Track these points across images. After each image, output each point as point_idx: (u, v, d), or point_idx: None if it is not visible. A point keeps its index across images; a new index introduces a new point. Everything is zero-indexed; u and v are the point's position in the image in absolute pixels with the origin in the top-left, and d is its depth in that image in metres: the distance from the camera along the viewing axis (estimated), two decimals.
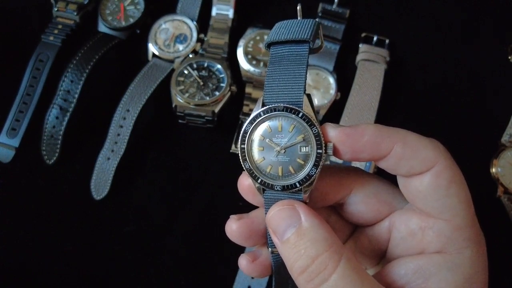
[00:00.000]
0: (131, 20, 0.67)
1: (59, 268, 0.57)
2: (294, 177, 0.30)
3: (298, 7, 0.33)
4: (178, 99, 0.61)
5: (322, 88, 0.63)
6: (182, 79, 0.63)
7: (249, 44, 0.66)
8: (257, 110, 0.31)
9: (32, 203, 0.60)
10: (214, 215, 0.59)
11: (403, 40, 0.69)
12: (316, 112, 0.30)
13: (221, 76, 0.63)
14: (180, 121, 0.63)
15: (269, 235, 0.31)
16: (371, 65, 0.64)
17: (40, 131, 0.61)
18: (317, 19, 0.67)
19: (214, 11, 0.68)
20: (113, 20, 0.67)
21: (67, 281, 0.56)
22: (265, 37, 0.66)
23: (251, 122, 0.31)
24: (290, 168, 0.30)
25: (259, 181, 0.31)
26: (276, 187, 0.30)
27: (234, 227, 0.33)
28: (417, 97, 0.67)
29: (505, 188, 0.59)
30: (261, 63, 0.64)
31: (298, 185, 0.30)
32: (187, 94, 0.62)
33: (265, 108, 0.30)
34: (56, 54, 0.63)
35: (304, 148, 0.30)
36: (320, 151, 0.30)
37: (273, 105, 0.30)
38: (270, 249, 0.32)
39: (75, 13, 0.66)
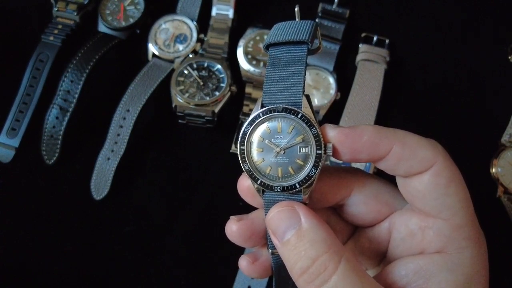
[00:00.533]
0: (131, 20, 0.67)
1: (59, 268, 0.57)
2: (293, 178, 0.30)
3: (296, 9, 0.33)
4: (178, 99, 0.61)
5: (322, 88, 0.63)
6: (182, 79, 0.63)
7: (249, 44, 0.66)
8: (256, 111, 0.31)
9: (32, 203, 0.60)
10: (214, 215, 0.59)
11: (403, 40, 0.69)
12: (315, 112, 0.30)
13: (221, 76, 0.63)
14: (180, 121, 0.63)
15: (269, 236, 0.31)
16: (371, 65, 0.64)
17: (40, 131, 0.61)
18: (317, 20, 0.68)
19: (214, 11, 0.68)
20: (113, 20, 0.67)
21: (67, 281, 0.56)
22: (265, 37, 0.66)
23: (250, 123, 0.31)
24: (290, 169, 0.30)
25: (258, 182, 0.31)
26: (275, 188, 0.30)
27: (234, 228, 0.33)
28: (417, 97, 0.67)
29: (505, 188, 0.59)
30: (261, 63, 0.64)
31: (298, 186, 0.30)
32: (187, 94, 0.62)
33: (264, 109, 0.30)
34: (56, 54, 0.63)
35: (303, 149, 0.30)
36: (320, 151, 0.30)
37: (272, 106, 0.30)
38: (270, 250, 0.32)
39: (75, 13, 0.66)
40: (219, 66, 0.63)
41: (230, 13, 0.67)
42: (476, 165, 0.62)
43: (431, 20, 0.71)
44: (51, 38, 0.64)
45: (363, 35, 0.67)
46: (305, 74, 0.30)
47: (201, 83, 0.63)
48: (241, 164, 0.31)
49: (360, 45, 0.66)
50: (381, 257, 0.34)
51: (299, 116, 0.30)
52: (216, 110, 0.61)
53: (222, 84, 0.62)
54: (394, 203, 0.33)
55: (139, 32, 0.68)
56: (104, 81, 0.67)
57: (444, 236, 0.30)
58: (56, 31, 0.64)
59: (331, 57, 0.65)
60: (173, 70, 0.64)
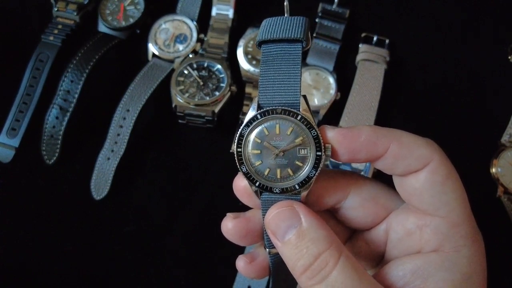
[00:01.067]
0: (131, 20, 0.67)
1: (59, 268, 0.57)
2: (293, 179, 0.30)
3: (285, 3, 0.32)
4: (178, 99, 0.61)
5: (322, 88, 0.63)
6: (182, 79, 0.63)
7: (249, 44, 0.66)
8: (253, 112, 0.30)
9: (32, 203, 0.60)
10: (214, 215, 0.59)
11: (403, 40, 0.69)
12: (312, 112, 0.30)
13: (221, 76, 0.63)
14: (180, 121, 0.63)
15: (266, 235, 0.31)
16: (371, 65, 0.64)
17: (40, 131, 0.61)
18: (317, 20, 0.68)
19: (214, 11, 0.68)
20: (113, 20, 0.67)
21: (67, 281, 0.57)
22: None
23: (247, 125, 0.30)
24: (289, 171, 0.30)
25: (256, 184, 0.30)
26: (274, 190, 0.30)
27: (230, 226, 0.33)
28: (417, 97, 0.67)
29: (505, 188, 0.59)
30: None
31: (297, 187, 0.30)
32: (187, 94, 0.62)
33: (262, 110, 0.30)
34: (56, 54, 0.63)
35: (302, 150, 0.30)
36: (320, 153, 0.30)
37: (270, 108, 0.30)
38: (267, 249, 0.32)
39: (75, 13, 0.66)
40: (219, 66, 0.63)
41: (230, 13, 0.67)
42: (476, 165, 0.62)
43: (431, 20, 0.71)
44: (51, 38, 0.64)
45: (363, 35, 0.67)
46: (301, 73, 0.30)
47: (201, 83, 0.63)
48: (239, 167, 0.31)
49: (360, 45, 0.66)
50: (379, 259, 0.34)
51: (298, 118, 0.30)
52: (216, 110, 0.61)
53: (222, 84, 0.62)
54: (391, 205, 0.33)
55: (139, 32, 0.68)
56: (104, 81, 0.67)
57: (442, 234, 0.30)
58: (56, 31, 0.64)
59: (331, 57, 0.65)
60: (173, 70, 0.64)
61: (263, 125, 0.30)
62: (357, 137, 0.30)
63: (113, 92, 0.64)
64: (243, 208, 0.34)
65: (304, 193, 0.31)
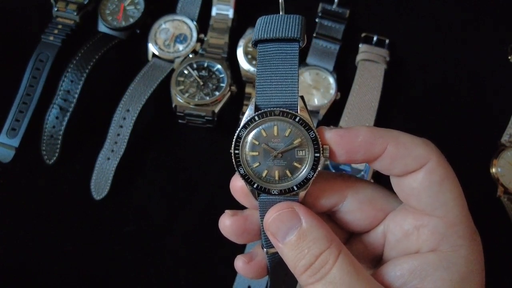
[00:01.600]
0: (131, 20, 0.67)
1: (59, 268, 0.57)
2: (290, 180, 0.30)
3: (280, 0, 0.32)
4: (178, 99, 0.61)
5: (322, 88, 0.63)
6: (182, 79, 0.63)
7: (249, 44, 0.66)
8: (250, 113, 0.30)
9: (32, 203, 0.60)
10: (214, 215, 0.59)
11: (403, 40, 0.68)
12: (312, 112, 0.30)
13: (221, 76, 0.63)
14: (180, 121, 0.64)
15: (264, 236, 0.31)
16: (371, 65, 0.64)
17: (40, 131, 0.61)
18: (317, 20, 0.68)
19: (214, 11, 0.68)
20: (113, 20, 0.67)
21: (67, 281, 0.57)
22: None
23: (245, 127, 0.30)
24: (287, 172, 0.30)
25: (254, 186, 0.30)
26: (273, 191, 0.30)
27: (227, 223, 0.33)
28: (417, 97, 0.67)
29: (505, 188, 0.59)
30: None
31: (295, 188, 0.30)
32: (187, 94, 0.62)
33: (260, 112, 0.30)
34: (56, 54, 0.63)
35: (300, 151, 0.30)
36: (318, 154, 0.30)
37: (268, 109, 0.30)
38: (265, 249, 0.32)
39: (75, 13, 0.66)
40: (219, 66, 0.63)
41: (230, 13, 0.67)
42: (476, 165, 0.62)
43: (431, 20, 0.71)
44: (51, 38, 0.64)
45: (363, 35, 0.67)
46: (298, 74, 0.30)
47: (201, 83, 0.63)
48: (236, 168, 0.30)
49: (360, 45, 0.66)
50: (377, 260, 0.34)
51: (296, 119, 0.29)
52: (216, 110, 0.61)
53: (222, 84, 0.62)
54: (388, 208, 0.33)
55: (139, 32, 0.68)
56: (104, 81, 0.67)
57: (439, 234, 0.30)
58: (56, 31, 0.64)
59: (331, 57, 0.65)
60: (173, 70, 0.64)
61: (261, 127, 0.30)
62: (354, 138, 0.30)
63: (113, 92, 0.64)
64: (243, 208, 0.34)
65: (302, 194, 0.31)
